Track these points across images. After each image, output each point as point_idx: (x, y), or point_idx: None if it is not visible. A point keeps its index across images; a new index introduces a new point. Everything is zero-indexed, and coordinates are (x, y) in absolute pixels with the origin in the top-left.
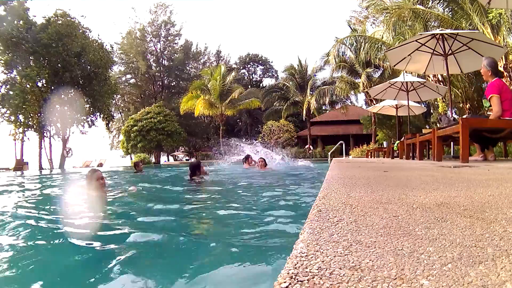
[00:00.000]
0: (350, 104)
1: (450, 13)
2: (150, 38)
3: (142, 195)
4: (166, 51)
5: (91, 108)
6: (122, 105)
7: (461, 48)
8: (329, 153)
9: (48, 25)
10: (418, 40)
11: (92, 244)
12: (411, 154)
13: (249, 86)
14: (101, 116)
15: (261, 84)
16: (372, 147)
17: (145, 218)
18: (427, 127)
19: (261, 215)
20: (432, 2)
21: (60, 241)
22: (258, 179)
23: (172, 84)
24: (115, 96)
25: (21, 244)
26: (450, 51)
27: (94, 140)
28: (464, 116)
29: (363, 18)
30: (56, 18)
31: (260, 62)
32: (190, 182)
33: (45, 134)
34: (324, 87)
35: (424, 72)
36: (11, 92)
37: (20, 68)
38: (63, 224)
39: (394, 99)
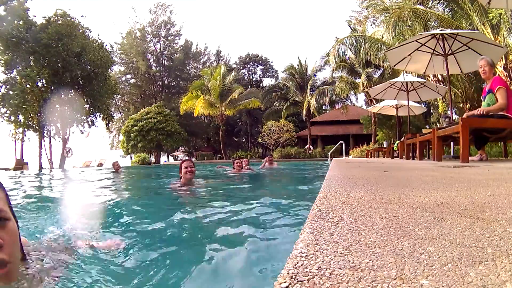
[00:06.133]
0: (350, 104)
1: (450, 13)
2: (150, 38)
3: (134, 196)
4: (166, 51)
5: (91, 108)
6: (122, 105)
7: (461, 48)
8: (329, 153)
9: (48, 25)
10: (418, 40)
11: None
12: (411, 154)
13: (249, 86)
14: (101, 116)
15: (261, 84)
16: (372, 147)
17: (141, 219)
18: (427, 127)
19: (260, 215)
20: (432, 2)
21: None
22: (252, 179)
23: (172, 84)
24: (115, 96)
25: None
26: (450, 51)
27: (94, 140)
28: (464, 116)
29: (363, 18)
30: (56, 18)
31: (260, 62)
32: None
33: (45, 134)
34: (324, 87)
35: (424, 72)
36: (11, 92)
37: (20, 68)
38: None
39: (394, 99)
